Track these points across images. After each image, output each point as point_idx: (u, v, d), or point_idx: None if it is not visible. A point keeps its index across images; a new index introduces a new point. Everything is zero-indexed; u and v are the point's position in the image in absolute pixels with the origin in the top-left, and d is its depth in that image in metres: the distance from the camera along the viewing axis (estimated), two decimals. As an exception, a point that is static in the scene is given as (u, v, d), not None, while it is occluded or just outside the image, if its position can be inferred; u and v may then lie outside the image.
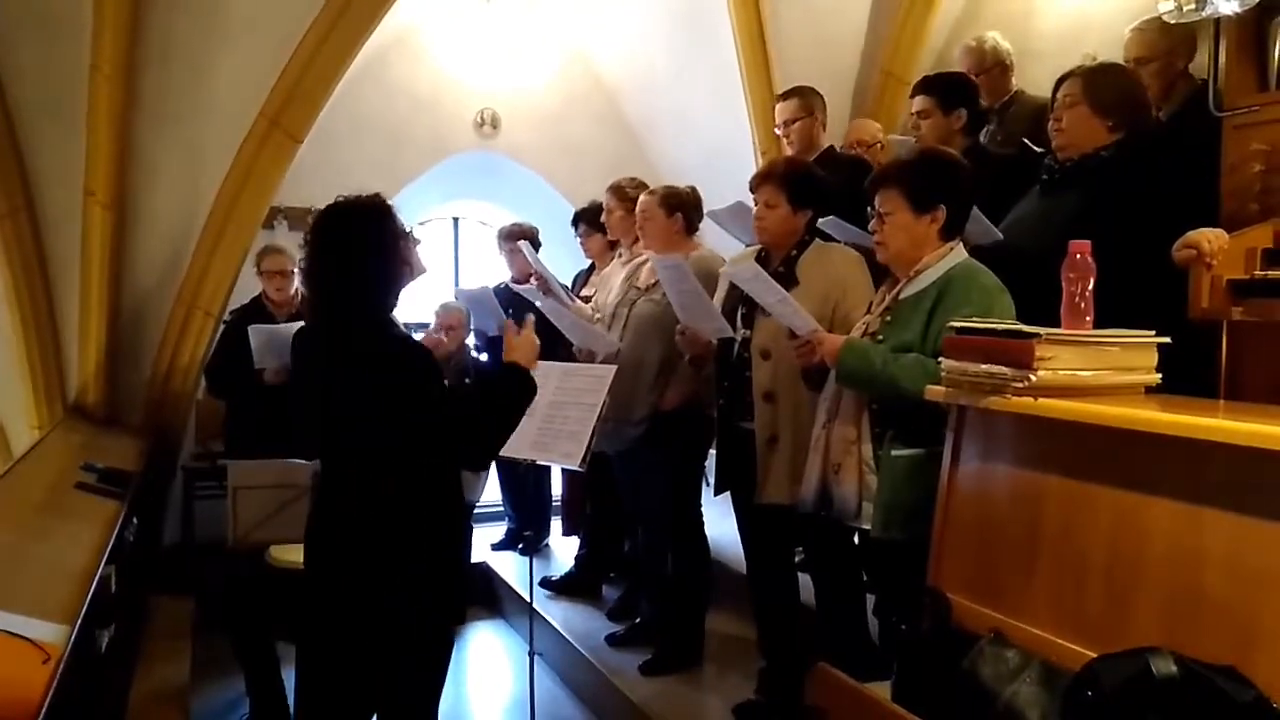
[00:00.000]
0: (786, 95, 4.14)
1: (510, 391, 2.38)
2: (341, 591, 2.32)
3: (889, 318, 2.46)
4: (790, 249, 3.02)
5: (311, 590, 2.37)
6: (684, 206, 3.68)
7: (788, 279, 2.93)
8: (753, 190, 3.08)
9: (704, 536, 3.77)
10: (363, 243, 2.27)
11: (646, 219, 3.68)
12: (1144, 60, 3.03)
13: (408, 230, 2.36)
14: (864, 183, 2.59)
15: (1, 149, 4.17)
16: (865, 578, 3.08)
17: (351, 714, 2.40)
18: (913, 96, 3.52)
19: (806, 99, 4.05)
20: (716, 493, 3.28)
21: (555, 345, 4.10)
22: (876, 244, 2.52)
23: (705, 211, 3.78)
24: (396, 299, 2.36)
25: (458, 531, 2.46)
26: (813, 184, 3.03)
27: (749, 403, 3.01)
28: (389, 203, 2.35)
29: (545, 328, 3.93)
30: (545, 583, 4.57)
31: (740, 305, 3.02)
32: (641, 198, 3.75)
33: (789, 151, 4.04)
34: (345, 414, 2.30)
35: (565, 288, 4.50)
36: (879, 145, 4.28)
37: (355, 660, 2.33)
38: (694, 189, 3.77)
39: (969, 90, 3.48)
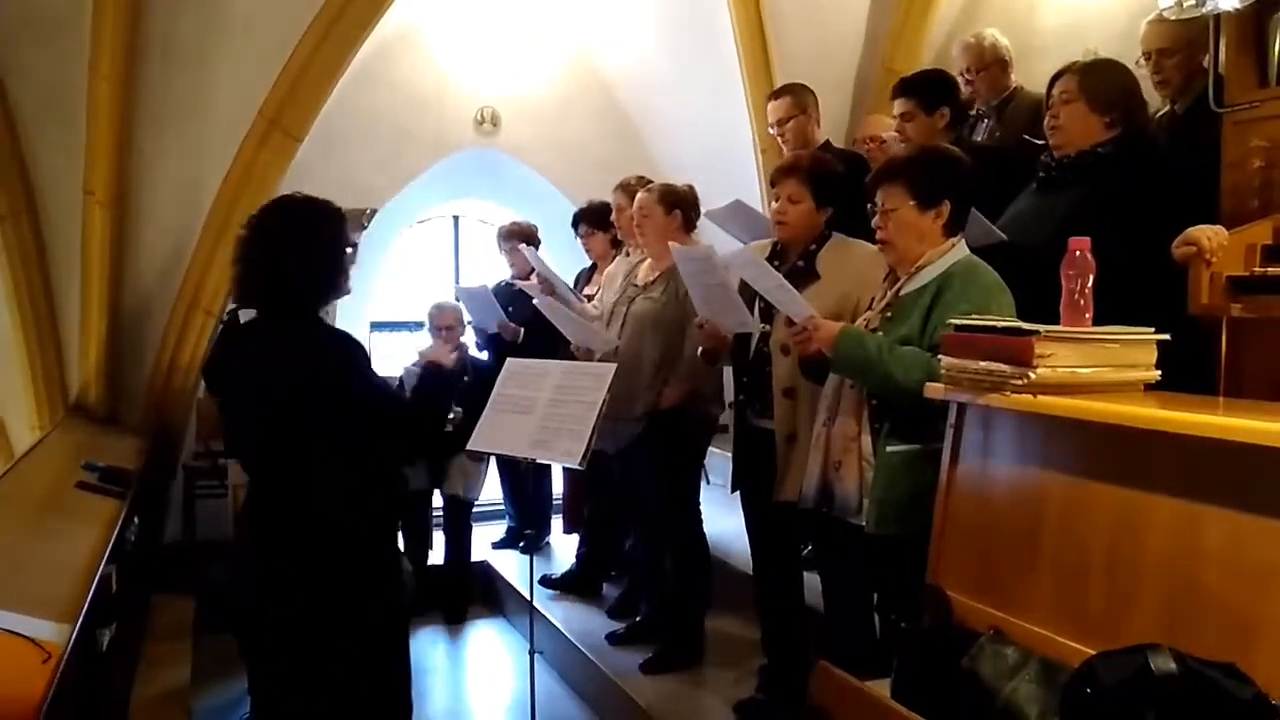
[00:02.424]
0: (777, 94, 4.11)
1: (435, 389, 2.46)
2: (269, 593, 2.31)
3: (889, 314, 2.45)
4: (809, 244, 3.00)
5: (241, 593, 2.37)
6: (682, 204, 3.67)
7: (808, 274, 2.92)
8: (773, 184, 3.05)
9: (702, 535, 3.76)
10: (318, 239, 2.31)
11: (645, 216, 3.67)
12: (1167, 52, 2.96)
13: (354, 244, 2.43)
14: (858, 177, 2.58)
15: (2, 150, 4.17)
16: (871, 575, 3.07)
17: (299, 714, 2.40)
18: (893, 99, 3.50)
19: (798, 96, 4.02)
20: (733, 490, 3.27)
21: (555, 344, 4.11)
22: (881, 242, 2.50)
23: (703, 211, 3.77)
24: (326, 304, 2.40)
25: (385, 528, 2.43)
26: (837, 180, 3.01)
27: (768, 399, 2.98)
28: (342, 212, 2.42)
29: (546, 326, 3.96)
30: (546, 581, 4.57)
31: (758, 299, 2.98)
32: (639, 195, 3.73)
33: (785, 150, 4.02)
34: (270, 411, 2.30)
35: (570, 288, 4.48)
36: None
37: (291, 661, 2.33)
38: (691, 187, 3.76)
39: (949, 87, 3.47)
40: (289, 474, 2.31)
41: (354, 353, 2.31)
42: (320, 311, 2.37)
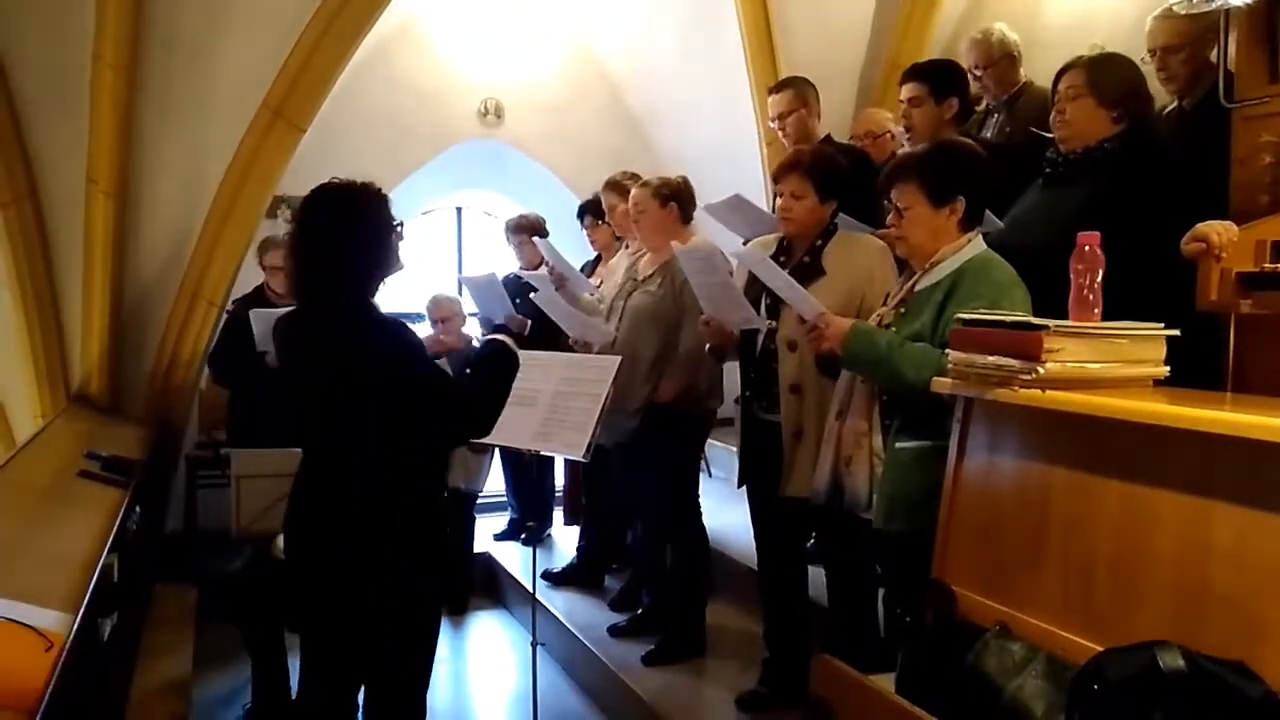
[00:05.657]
0: (778, 88, 4.09)
1: (497, 362, 2.45)
2: (322, 581, 2.34)
3: (903, 310, 2.43)
4: (815, 239, 2.99)
5: (296, 579, 2.39)
6: (678, 196, 3.66)
7: (814, 270, 2.91)
8: (776, 181, 3.04)
9: (702, 528, 3.76)
10: (360, 225, 2.29)
11: (640, 211, 3.66)
12: (1173, 49, 2.92)
13: (399, 223, 2.38)
14: (860, 173, 2.56)
15: (5, 138, 4.16)
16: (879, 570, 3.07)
17: (341, 696, 2.43)
18: (903, 83, 3.46)
19: (799, 90, 4.01)
20: (740, 485, 3.26)
21: (557, 336, 4.10)
22: (895, 239, 2.49)
23: (701, 205, 3.75)
24: (379, 287, 2.38)
25: (438, 520, 2.45)
26: (840, 174, 3.00)
27: (774, 395, 2.98)
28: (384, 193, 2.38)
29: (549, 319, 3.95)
30: (547, 575, 4.57)
31: (764, 295, 2.98)
32: (633, 191, 3.72)
33: (785, 144, 4.01)
34: (329, 402, 2.32)
35: (586, 279, 4.45)
36: (888, 135, 4.24)
37: (341, 647, 2.37)
38: (685, 178, 3.74)
39: (961, 79, 3.45)
40: (348, 459, 2.33)
41: (409, 336, 2.33)
42: (374, 294, 2.36)
